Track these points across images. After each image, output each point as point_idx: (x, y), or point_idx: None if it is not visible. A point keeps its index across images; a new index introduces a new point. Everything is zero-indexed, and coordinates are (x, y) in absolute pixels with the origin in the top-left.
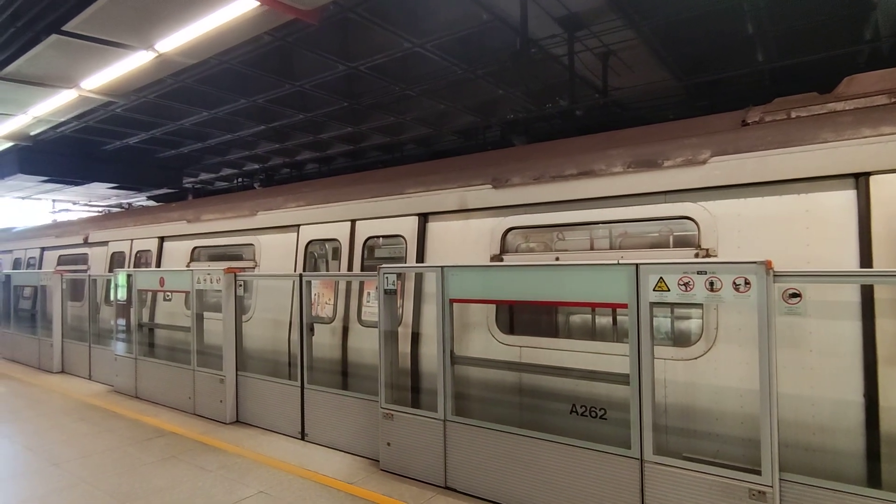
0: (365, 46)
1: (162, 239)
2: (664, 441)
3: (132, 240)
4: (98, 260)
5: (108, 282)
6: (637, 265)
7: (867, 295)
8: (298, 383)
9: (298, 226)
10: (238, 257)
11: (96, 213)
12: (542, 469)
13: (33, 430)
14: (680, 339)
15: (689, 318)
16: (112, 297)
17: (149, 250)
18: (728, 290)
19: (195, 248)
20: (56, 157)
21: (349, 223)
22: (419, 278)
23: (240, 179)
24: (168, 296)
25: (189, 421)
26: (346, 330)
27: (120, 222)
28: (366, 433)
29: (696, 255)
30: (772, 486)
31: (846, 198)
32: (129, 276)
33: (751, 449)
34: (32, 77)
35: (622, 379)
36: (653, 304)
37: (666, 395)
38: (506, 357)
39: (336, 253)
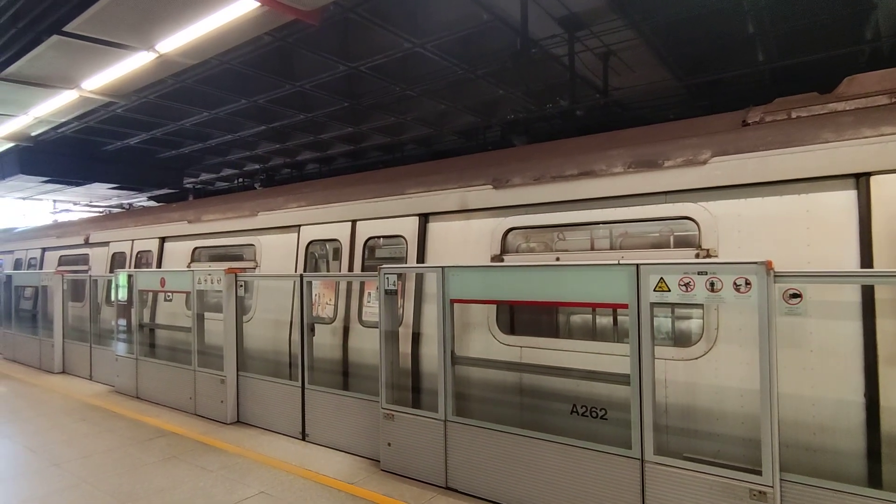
0: (365, 47)
1: (163, 239)
2: (665, 441)
3: (133, 240)
4: (99, 260)
5: (109, 282)
6: (638, 265)
7: (868, 295)
8: (299, 383)
9: (299, 226)
10: (239, 258)
11: (97, 214)
12: (543, 469)
13: (34, 431)
14: (680, 340)
15: (689, 318)
16: (113, 298)
17: (149, 251)
18: (728, 291)
19: (196, 248)
20: (57, 157)
21: (350, 223)
22: (420, 278)
23: (240, 180)
24: (169, 296)
25: (190, 421)
26: (346, 330)
27: (121, 223)
28: (366, 433)
29: (697, 256)
30: (772, 486)
31: (847, 198)
32: (129, 276)
33: (751, 449)
34: (33, 78)
35: (623, 379)
36: (653, 305)
37: (666, 396)
38: (506, 357)
39: (337, 253)
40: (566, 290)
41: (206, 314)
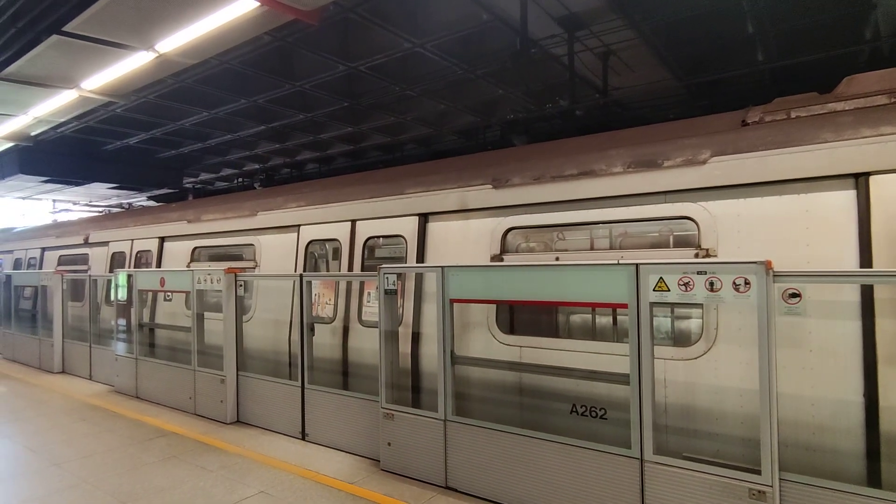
0: (365, 46)
1: (162, 239)
2: (664, 441)
3: (132, 240)
4: (98, 260)
5: (109, 282)
6: (637, 265)
7: (867, 295)
8: (299, 383)
9: (299, 226)
10: (238, 257)
11: (97, 214)
12: (543, 469)
13: (34, 430)
14: (680, 339)
15: (689, 318)
16: (112, 298)
17: (149, 250)
18: (728, 290)
19: (195, 248)
20: (56, 157)
21: (349, 223)
22: (419, 278)
23: (240, 179)
24: (168, 296)
25: (190, 421)
26: (346, 330)
27: (120, 222)
28: (366, 433)
29: (696, 255)
30: (772, 486)
31: (846, 198)
32: (129, 276)
33: (751, 448)
34: (33, 78)
35: (622, 379)
36: (653, 304)
37: (666, 395)
38: (506, 357)
39: (336, 253)
40: (566, 290)
41: (206, 314)
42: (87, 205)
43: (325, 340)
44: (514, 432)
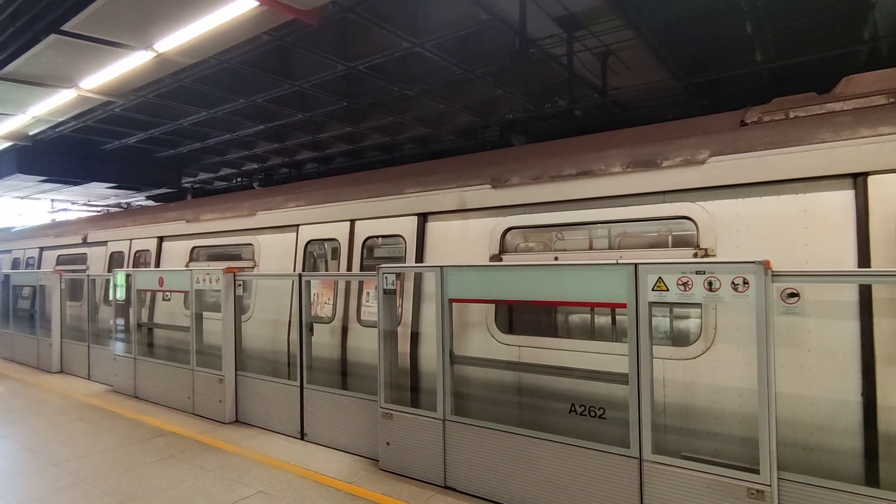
0: (364, 46)
1: (161, 239)
2: (663, 440)
3: (131, 240)
4: (97, 260)
5: (107, 282)
6: (636, 265)
7: (865, 295)
8: (298, 383)
9: (298, 226)
10: (237, 257)
11: (95, 213)
12: (542, 468)
13: (32, 430)
14: (679, 339)
15: (687, 317)
16: (111, 297)
17: (148, 250)
18: (726, 290)
19: (194, 247)
20: (55, 156)
21: (348, 223)
22: (418, 278)
23: (239, 179)
24: (167, 296)
25: (188, 421)
26: (345, 330)
27: (119, 222)
28: (365, 433)
29: (695, 255)
30: (770, 485)
31: (844, 198)
32: (127, 275)
33: (749, 448)
34: (31, 77)
35: (621, 378)
36: (652, 304)
37: (665, 395)
38: (505, 357)
39: (335, 253)
40: (565, 290)
41: (205, 314)
42: (85, 204)
43: (324, 340)
44: (513, 432)
